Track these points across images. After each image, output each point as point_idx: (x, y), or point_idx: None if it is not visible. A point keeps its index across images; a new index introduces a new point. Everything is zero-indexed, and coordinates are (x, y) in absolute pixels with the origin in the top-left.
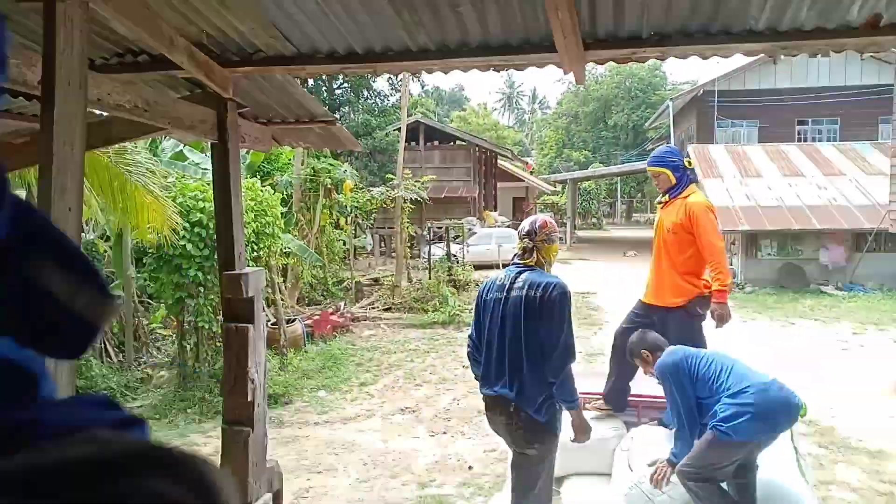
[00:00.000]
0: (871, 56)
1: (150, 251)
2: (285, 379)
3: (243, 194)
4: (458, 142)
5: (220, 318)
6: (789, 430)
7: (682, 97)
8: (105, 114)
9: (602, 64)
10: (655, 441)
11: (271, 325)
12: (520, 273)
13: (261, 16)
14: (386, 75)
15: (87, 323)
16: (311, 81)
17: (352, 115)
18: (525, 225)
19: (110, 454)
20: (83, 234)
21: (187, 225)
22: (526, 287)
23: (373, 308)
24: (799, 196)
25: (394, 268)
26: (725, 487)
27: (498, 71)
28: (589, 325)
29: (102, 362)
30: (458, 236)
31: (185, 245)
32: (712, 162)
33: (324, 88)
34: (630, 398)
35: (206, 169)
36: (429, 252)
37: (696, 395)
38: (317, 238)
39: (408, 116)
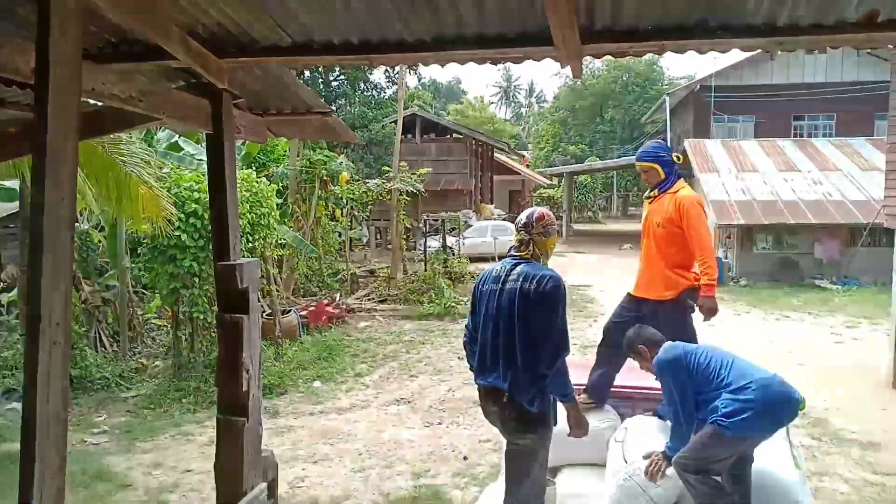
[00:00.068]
0: (868, 52)
1: (144, 241)
2: (280, 369)
3: (239, 185)
4: (454, 135)
5: (215, 308)
6: None
7: (678, 92)
8: (99, 104)
9: (599, 57)
10: (650, 432)
11: (266, 315)
12: (515, 265)
13: (256, 5)
14: (382, 67)
15: None
16: (307, 73)
17: (348, 108)
18: (522, 217)
19: None
20: (77, 224)
21: (182, 215)
22: (520, 279)
23: (368, 299)
24: (794, 191)
25: (389, 260)
26: (720, 479)
27: (495, 64)
28: (584, 318)
29: (97, 352)
30: (454, 229)
31: (180, 235)
32: (708, 156)
33: (320, 80)
34: (625, 389)
35: (201, 159)
36: (424, 244)
37: (694, 390)
38: (312, 230)
39: (404, 109)
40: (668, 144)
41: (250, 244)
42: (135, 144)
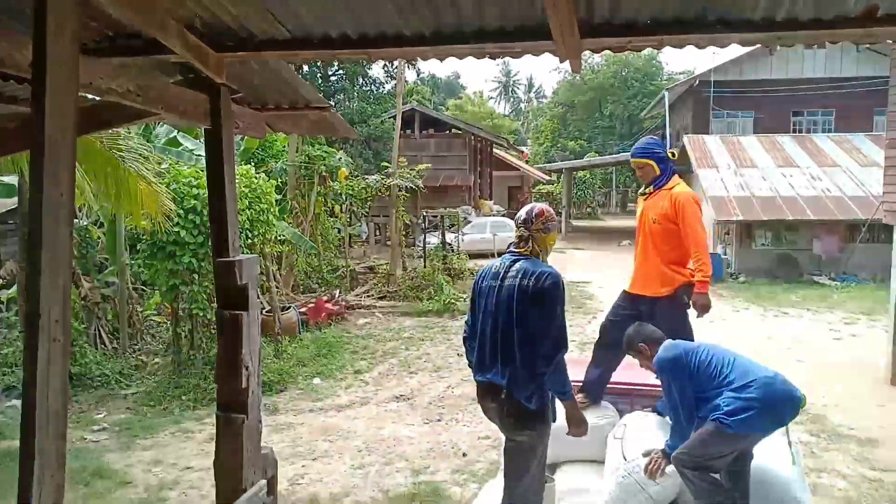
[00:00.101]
0: (867, 47)
1: (143, 238)
2: (280, 366)
3: (237, 181)
4: (453, 130)
5: (215, 305)
6: None
7: (678, 87)
8: (97, 98)
9: (598, 52)
10: (649, 428)
11: (266, 312)
12: (514, 262)
13: None
14: (381, 62)
15: None
16: (305, 68)
17: (347, 103)
18: (522, 213)
19: None
20: (76, 221)
21: (181, 212)
22: (519, 276)
23: (368, 296)
24: (793, 186)
25: (389, 256)
26: (718, 476)
27: (493, 58)
28: (583, 314)
29: (97, 349)
30: (453, 225)
31: (179, 232)
32: (707, 152)
33: (319, 75)
34: (623, 385)
35: (199, 155)
36: (424, 240)
37: (694, 389)
38: (311, 226)
39: (403, 104)
40: (668, 140)
41: (249, 240)
42: (133, 140)
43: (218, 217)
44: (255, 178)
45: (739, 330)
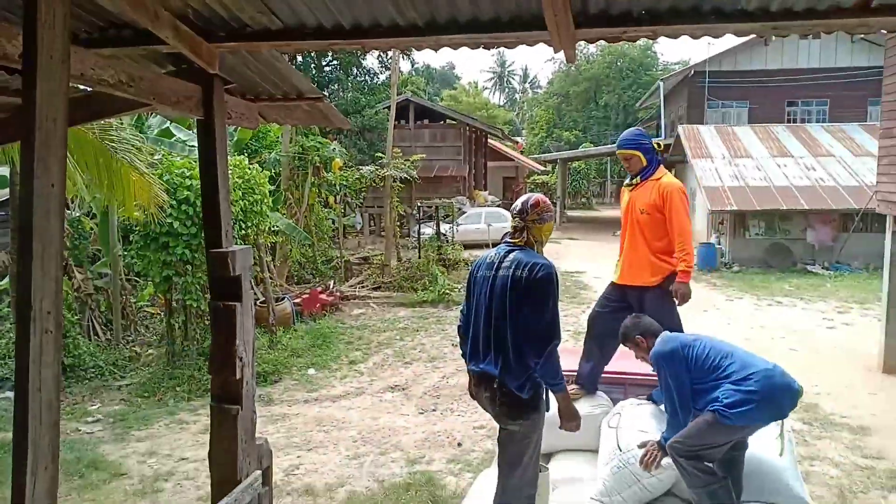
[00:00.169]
0: (862, 38)
1: (136, 229)
2: (274, 357)
3: (230, 172)
4: (448, 121)
5: (209, 296)
6: None
7: (672, 77)
8: (88, 89)
9: (593, 42)
10: (643, 417)
11: (260, 303)
12: (509, 252)
13: None
14: (375, 53)
15: None
16: (299, 58)
17: (341, 93)
18: (518, 203)
19: None
20: (68, 212)
21: (174, 202)
22: (513, 267)
23: (362, 287)
24: (787, 176)
25: (383, 247)
26: (712, 464)
27: (488, 48)
28: (577, 304)
29: (90, 341)
30: (447, 215)
31: (172, 223)
32: (702, 142)
33: (313, 66)
34: (617, 375)
35: (192, 146)
36: (418, 231)
37: (691, 382)
38: (305, 216)
39: (398, 94)
40: (663, 130)
41: (243, 231)
42: (126, 131)
43: (211, 208)
44: (249, 168)
45: (733, 319)
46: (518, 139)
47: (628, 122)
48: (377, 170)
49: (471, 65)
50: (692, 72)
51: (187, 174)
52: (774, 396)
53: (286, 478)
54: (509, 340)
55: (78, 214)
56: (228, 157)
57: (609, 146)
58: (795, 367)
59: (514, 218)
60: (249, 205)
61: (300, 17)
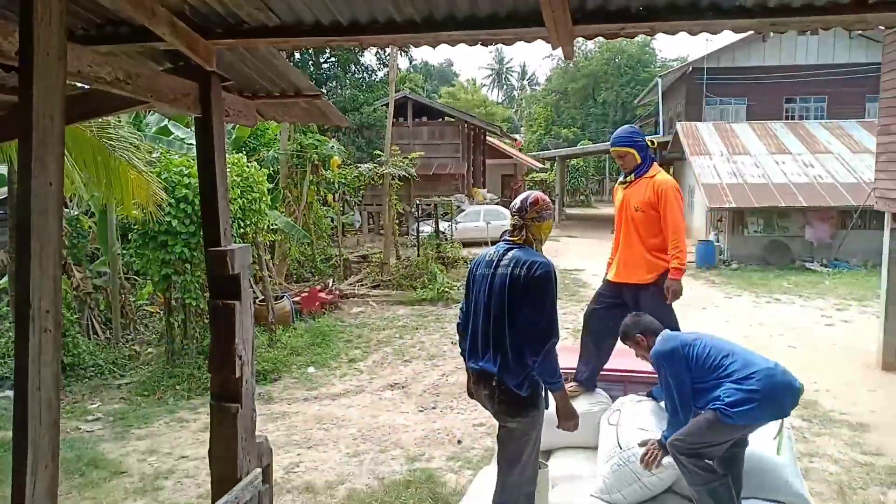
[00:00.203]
0: (860, 34)
1: (135, 227)
2: (274, 355)
3: (229, 170)
4: (446, 118)
5: (208, 294)
6: None
7: (671, 74)
8: (86, 86)
9: (591, 39)
10: (643, 414)
11: (259, 301)
12: (508, 250)
13: None
14: (373, 49)
15: None
16: (297, 55)
17: (339, 90)
18: (517, 201)
19: None
20: (67, 210)
21: (173, 201)
22: (511, 265)
23: (361, 285)
24: (785, 173)
25: (382, 245)
26: (713, 462)
27: (486, 45)
28: (576, 302)
29: (90, 339)
30: (446, 213)
31: (170, 221)
32: (700, 139)
33: (310, 63)
34: (617, 372)
35: (191, 144)
36: (417, 229)
37: (692, 381)
38: (304, 215)
39: (396, 92)
40: (661, 127)
41: (241, 229)
42: (123, 128)
43: (209, 206)
44: (247, 166)
45: (731, 316)
46: (516, 136)
47: (626, 118)
48: (376, 167)
49: (469, 62)
50: (690, 68)
51: (185, 172)
52: (776, 395)
53: (286, 475)
54: (508, 338)
55: (76, 213)
56: (227, 155)
57: (608, 143)
58: (794, 365)
59: (513, 216)
60: (248, 203)
61: (297, 14)
